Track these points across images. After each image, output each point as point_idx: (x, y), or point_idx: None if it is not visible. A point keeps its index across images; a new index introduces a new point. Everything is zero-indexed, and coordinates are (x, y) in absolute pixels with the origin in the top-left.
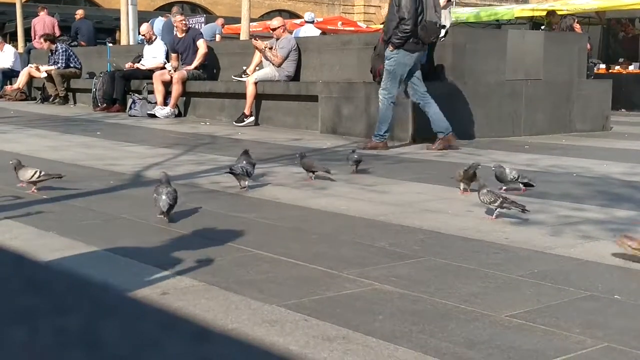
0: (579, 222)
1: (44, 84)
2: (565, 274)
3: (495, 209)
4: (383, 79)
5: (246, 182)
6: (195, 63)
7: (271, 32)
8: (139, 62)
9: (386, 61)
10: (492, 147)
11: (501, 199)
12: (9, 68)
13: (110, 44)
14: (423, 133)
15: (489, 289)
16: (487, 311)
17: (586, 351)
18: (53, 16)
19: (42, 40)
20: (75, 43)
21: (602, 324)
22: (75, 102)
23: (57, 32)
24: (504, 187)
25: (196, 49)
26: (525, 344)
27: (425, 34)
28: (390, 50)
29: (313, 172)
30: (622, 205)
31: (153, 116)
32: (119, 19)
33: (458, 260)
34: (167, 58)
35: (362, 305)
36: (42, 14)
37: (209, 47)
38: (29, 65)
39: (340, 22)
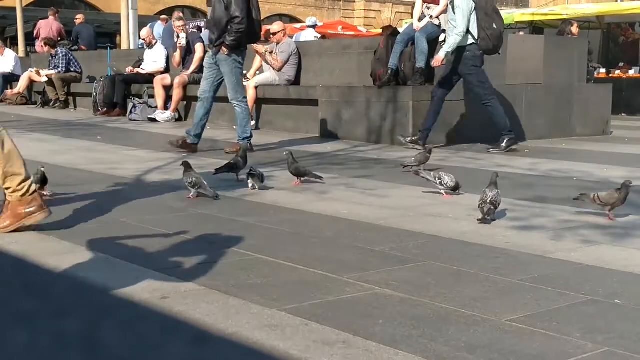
0: (579, 226)
1: (44, 88)
2: (566, 278)
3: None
4: (228, 87)
5: (256, 185)
6: (193, 67)
7: (271, 36)
8: (139, 67)
9: (222, 67)
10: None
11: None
12: (9, 72)
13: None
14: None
15: (490, 294)
16: (488, 315)
17: (587, 356)
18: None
19: (42, 44)
20: (76, 47)
21: (602, 329)
22: (75, 107)
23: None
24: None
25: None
26: (525, 348)
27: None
28: (225, 54)
29: (301, 177)
30: (623, 209)
31: (154, 120)
32: (119, 24)
33: (458, 265)
34: (168, 62)
35: (363, 310)
36: (51, 18)
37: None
38: (30, 69)
39: (340, 27)
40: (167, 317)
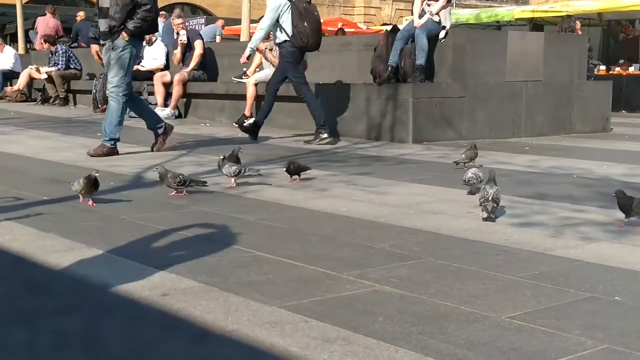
0: (579, 223)
1: (44, 85)
2: (566, 275)
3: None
4: (113, 74)
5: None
6: (192, 64)
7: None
8: (139, 64)
9: (116, 52)
10: (493, 148)
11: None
12: (9, 69)
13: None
14: (424, 134)
15: (490, 291)
16: (488, 312)
17: (586, 352)
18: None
19: (42, 41)
20: (76, 44)
21: (602, 326)
22: (75, 104)
23: (60, 35)
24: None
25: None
26: (525, 345)
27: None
28: (125, 39)
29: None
30: None
31: None
32: None
33: (458, 262)
34: (167, 59)
35: (362, 307)
36: (49, 15)
37: (208, 49)
38: (29, 66)
39: (340, 24)
40: (167, 315)
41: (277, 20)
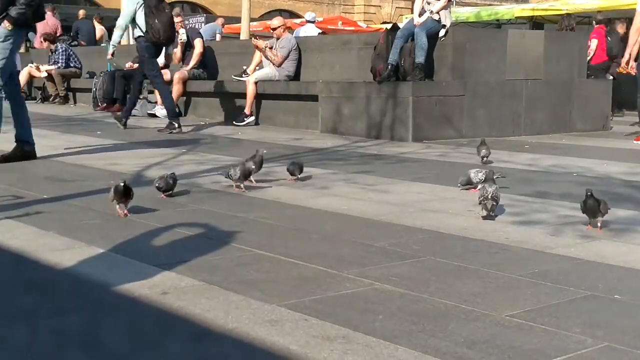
0: (579, 221)
1: (44, 83)
2: (566, 273)
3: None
4: None
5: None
6: (192, 63)
7: (271, 31)
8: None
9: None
10: (493, 147)
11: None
12: None
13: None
14: (424, 132)
15: (489, 289)
16: (487, 311)
17: (586, 351)
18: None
19: (42, 39)
20: (76, 43)
21: (602, 324)
22: (75, 102)
23: (59, 34)
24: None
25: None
26: (525, 343)
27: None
28: (8, 28)
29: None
30: (623, 205)
31: (153, 116)
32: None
33: (458, 260)
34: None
35: (362, 305)
36: (49, 13)
37: (208, 47)
38: (29, 65)
39: (340, 22)
40: (167, 313)
41: (134, 18)
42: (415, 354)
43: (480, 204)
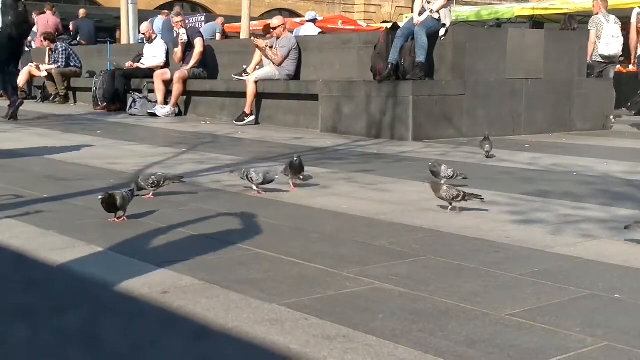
0: (579, 220)
1: (44, 83)
2: (566, 272)
3: (452, 204)
4: None
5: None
6: (192, 62)
7: (271, 31)
8: (139, 61)
9: None
10: (493, 146)
11: (462, 193)
12: None
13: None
14: (424, 131)
15: (489, 288)
16: (488, 310)
17: (586, 350)
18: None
19: (42, 39)
20: (76, 42)
21: (602, 323)
22: (75, 101)
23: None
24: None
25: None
26: (525, 342)
27: None
28: None
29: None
30: (623, 204)
31: (153, 115)
32: (119, 18)
33: (458, 259)
34: (168, 57)
35: (363, 304)
36: (48, 12)
37: (208, 46)
38: (29, 64)
39: (340, 21)
40: (167, 312)
41: None
42: (416, 353)
43: (458, 200)
